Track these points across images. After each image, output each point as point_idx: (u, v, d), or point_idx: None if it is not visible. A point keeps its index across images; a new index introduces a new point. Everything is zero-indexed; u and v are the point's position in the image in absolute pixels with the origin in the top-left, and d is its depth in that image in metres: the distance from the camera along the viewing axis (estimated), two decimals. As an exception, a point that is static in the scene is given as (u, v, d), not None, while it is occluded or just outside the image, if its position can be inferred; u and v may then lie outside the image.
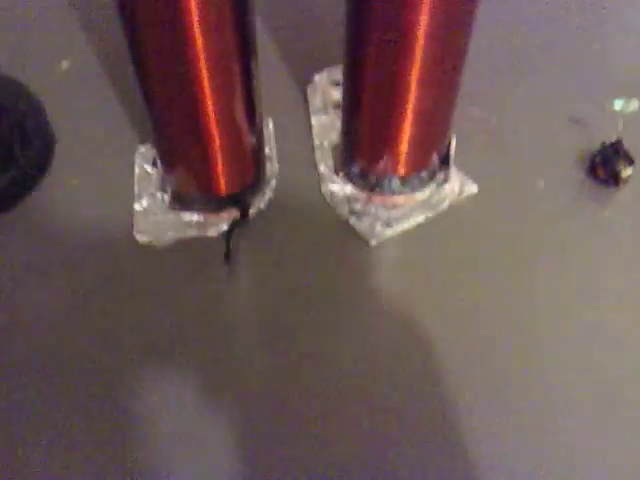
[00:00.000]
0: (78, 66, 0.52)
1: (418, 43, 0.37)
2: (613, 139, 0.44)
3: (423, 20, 0.35)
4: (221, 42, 0.35)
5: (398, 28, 0.36)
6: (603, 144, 0.45)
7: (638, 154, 0.44)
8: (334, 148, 0.48)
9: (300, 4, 0.55)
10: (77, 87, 0.51)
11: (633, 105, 0.43)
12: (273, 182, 0.46)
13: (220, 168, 0.43)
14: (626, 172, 0.44)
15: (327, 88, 0.51)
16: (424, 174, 0.45)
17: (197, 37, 0.34)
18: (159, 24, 0.33)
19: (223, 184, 0.44)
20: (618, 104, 0.43)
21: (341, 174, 0.47)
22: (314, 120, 0.49)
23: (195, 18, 0.33)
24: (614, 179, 0.44)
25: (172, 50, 0.35)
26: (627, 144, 0.44)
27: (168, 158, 0.43)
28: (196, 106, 0.38)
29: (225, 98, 0.39)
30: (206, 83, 0.37)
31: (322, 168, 0.47)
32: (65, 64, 0.51)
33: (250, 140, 0.43)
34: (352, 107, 0.43)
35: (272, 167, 0.47)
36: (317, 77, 0.51)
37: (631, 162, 0.44)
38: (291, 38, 0.53)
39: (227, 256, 0.42)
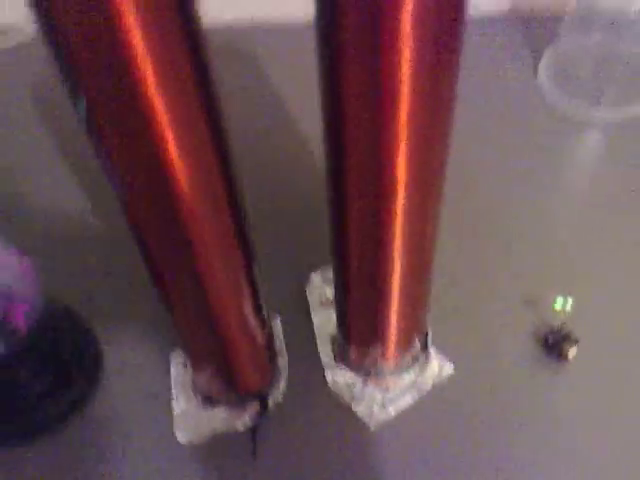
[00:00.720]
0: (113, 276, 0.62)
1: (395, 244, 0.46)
2: (559, 323, 0.55)
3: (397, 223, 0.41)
4: (228, 254, 0.41)
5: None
6: (552, 327, 0.55)
7: (583, 333, 0.55)
8: (332, 340, 0.58)
9: (290, 215, 0.66)
10: (113, 295, 0.61)
11: (569, 304, 0.54)
12: (285, 375, 0.56)
13: (241, 370, 0.52)
14: (572, 352, 0.54)
15: (322, 286, 0.61)
16: (409, 358, 0.55)
17: (204, 255, 0.39)
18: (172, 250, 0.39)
19: (245, 384, 0.53)
20: (559, 303, 0.54)
21: (340, 363, 0.56)
22: (314, 315, 0.59)
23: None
24: (564, 357, 0.54)
25: (185, 271, 0.40)
26: (572, 326, 0.55)
27: (193, 362, 0.53)
28: (211, 314, 0.45)
29: (236, 307, 0.47)
30: (217, 295, 0.43)
31: (324, 358, 0.57)
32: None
33: (262, 340, 0.52)
34: (341, 306, 0.53)
35: (283, 360, 0.57)
36: (313, 276, 0.61)
37: (576, 342, 0.54)
38: (288, 241, 0.64)
39: (254, 452, 0.51)
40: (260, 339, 0.51)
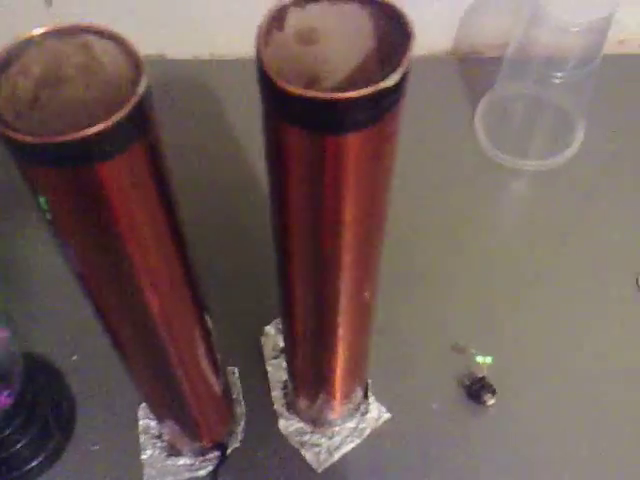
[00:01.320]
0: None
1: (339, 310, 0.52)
2: (480, 375, 0.63)
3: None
4: (180, 308, 0.43)
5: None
6: (474, 377, 0.64)
7: (500, 383, 0.63)
8: (284, 389, 0.65)
9: (247, 270, 0.72)
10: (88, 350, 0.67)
11: (488, 360, 0.62)
12: (242, 423, 0.63)
13: (200, 421, 0.59)
14: (491, 401, 0.62)
15: (276, 336, 0.68)
16: (351, 407, 0.63)
17: (156, 308, 0.41)
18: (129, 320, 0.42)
19: (205, 434, 0.60)
20: (479, 359, 0.62)
21: (291, 411, 0.64)
22: (268, 365, 0.66)
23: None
24: (483, 404, 0.63)
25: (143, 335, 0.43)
26: (492, 378, 0.63)
27: (155, 415, 0.59)
28: (166, 370, 0.48)
29: (191, 361, 0.50)
30: (170, 350, 0.46)
31: (276, 406, 0.64)
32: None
33: (219, 391, 0.58)
34: (289, 359, 0.59)
35: (241, 409, 0.64)
36: (267, 328, 0.68)
37: (494, 392, 0.63)
38: (245, 296, 0.70)
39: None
40: (217, 391, 0.58)
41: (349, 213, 0.36)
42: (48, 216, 0.32)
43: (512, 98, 0.81)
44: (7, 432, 0.57)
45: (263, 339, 0.68)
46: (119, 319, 0.43)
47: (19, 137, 0.27)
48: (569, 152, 0.79)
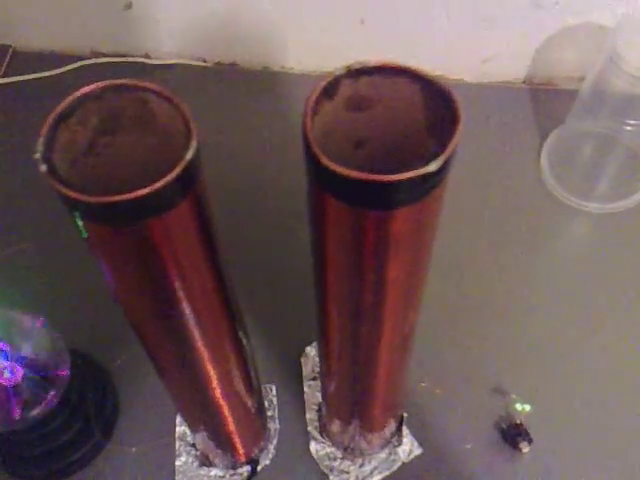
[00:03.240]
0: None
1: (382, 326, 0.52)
2: (518, 421, 0.62)
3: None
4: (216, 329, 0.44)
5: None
6: (511, 422, 0.63)
7: (538, 432, 0.62)
8: (319, 411, 0.66)
9: (292, 290, 0.73)
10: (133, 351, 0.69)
11: (527, 408, 0.61)
12: (275, 441, 0.64)
13: (232, 436, 0.60)
14: (526, 448, 0.62)
15: (315, 358, 0.69)
16: (384, 438, 0.63)
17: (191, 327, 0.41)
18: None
19: (237, 449, 0.61)
20: (518, 406, 0.61)
21: (324, 434, 0.65)
22: (305, 386, 0.67)
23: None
24: (518, 450, 0.62)
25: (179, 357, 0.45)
26: (529, 425, 0.62)
27: (190, 427, 0.61)
28: (204, 390, 0.50)
29: (224, 377, 0.50)
30: (210, 369, 0.47)
31: (310, 428, 0.65)
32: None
33: (253, 408, 0.59)
34: (324, 383, 0.60)
35: (275, 426, 0.65)
36: (308, 349, 0.69)
37: (530, 440, 0.62)
38: (288, 315, 0.71)
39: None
40: (250, 407, 0.59)
41: (389, 276, 0.36)
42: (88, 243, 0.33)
43: (583, 135, 0.79)
44: (51, 427, 0.59)
45: (303, 359, 0.68)
46: (153, 337, 0.44)
47: (71, 194, 0.28)
48: (637, 196, 0.76)
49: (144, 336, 0.43)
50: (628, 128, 0.67)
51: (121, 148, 0.32)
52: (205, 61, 0.90)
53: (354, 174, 0.27)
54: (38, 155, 0.29)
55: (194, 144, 0.29)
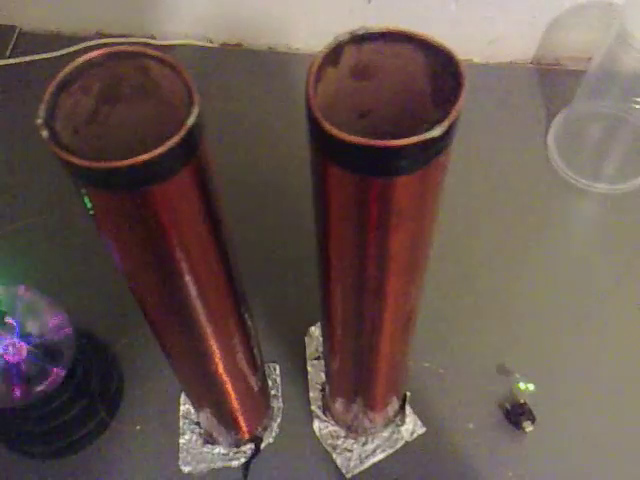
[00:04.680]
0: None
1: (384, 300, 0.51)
2: (521, 401, 0.62)
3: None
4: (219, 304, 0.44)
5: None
6: (514, 402, 0.63)
7: (541, 411, 0.62)
8: (322, 391, 0.66)
9: (296, 271, 0.73)
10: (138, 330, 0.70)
11: (531, 387, 0.61)
12: (278, 419, 0.64)
13: (236, 414, 0.60)
14: (529, 428, 0.61)
15: (320, 338, 0.68)
16: (387, 417, 0.63)
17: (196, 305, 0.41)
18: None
19: (241, 427, 0.62)
20: (522, 385, 0.61)
21: (327, 413, 0.65)
22: (309, 365, 0.67)
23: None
24: (521, 430, 0.62)
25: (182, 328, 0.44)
26: (533, 405, 0.62)
27: (194, 404, 0.61)
28: (208, 367, 0.50)
29: (228, 356, 0.50)
30: (214, 345, 0.47)
31: (313, 407, 0.65)
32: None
33: (257, 387, 0.59)
34: (328, 363, 0.60)
35: (278, 405, 0.65)
36: (312, 328, 0.69)
37: (533, 420, 0.62)
38: (293, 295, 0.71)
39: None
40: (254, 385, 0.59)
41: (391, 249, 0.36)
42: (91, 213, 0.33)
43: (590, 116, 0.78)
44: (55, 405, 0.59)
45: (307, 339, 0.68)
46: (158, 312, 0.44)
47: (73, 160, 0.28)
48: (645, 178, 0.76)
49: (148, 310, 0.43)
50: (637, 107, 0.67)
51: (123, 116, 0.32)
52: (211, 42, 0.90)
53: (356, 140, 0.27)
54: (40, 121, 0.29)
55: (196, 110, 0.29)
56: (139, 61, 0.31)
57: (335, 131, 0.27)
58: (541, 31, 0.82)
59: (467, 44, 0.85)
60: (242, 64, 0.88)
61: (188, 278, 0.38)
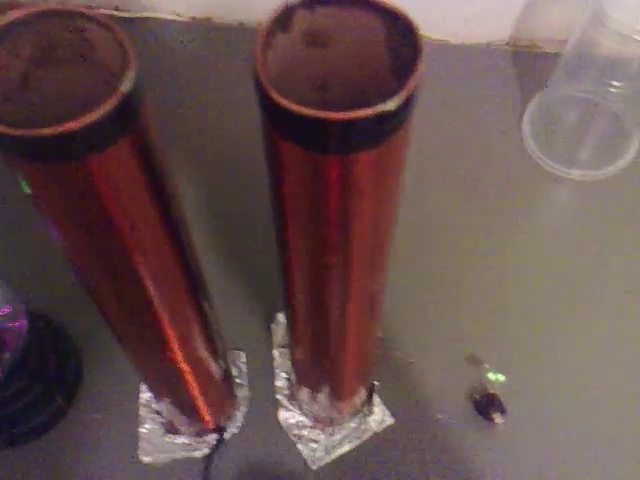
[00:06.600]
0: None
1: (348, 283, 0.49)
2: (491, 391, 0.61)
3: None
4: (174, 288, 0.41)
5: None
6: (484, 392, 0.61)
7: (511, 403, 0.61)
8: (288, 379, 0.64)
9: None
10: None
11: (501, 378, 0.59)
12: (244, 409, 0.62)
13: (197, 404, 0.58)
14: (499, 419, 0.60)
15: (286, 325, 0.66)
16: (354, 407, 0.61)
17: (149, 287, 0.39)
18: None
19: (205, 419, 0.60)
20: (491, 376, 0.60)
21: (293, 402, 0.63)
22: (275, 353, 0.65)
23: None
24: (491, 421, 0.60)
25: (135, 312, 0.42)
26: (502, 396, 0.61)
27: (154, 395, 0.59)
28: (163, 355, 0.48)
29: (185, 344, 0.48)
30: (170, 332, 0.45)
31: (279, 396, 0.63)
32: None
33: (218, 376, 0.57)
34: (293, 351, 0.58)
35: (244, 394, 0.63)
36: (279, 315, 0.67)
37: (504, 411, 0.60)
38: (259, 282, 0.69)
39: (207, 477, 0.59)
40: (215, 374, 0.57)
41: (352, 231, 0.34)
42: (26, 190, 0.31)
43: (565, 100, 0.76)
44: (9, 391, 0.57)
45: (274, 326, 0.66)
46: (106, 296, 0.41)
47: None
48: (620, 164, 0.74)
49: (97, 296, 0.41)
50: (612, 90, 0.65)
51: (58, 81, 0.29)
52: (179, 15, 0.87)
53: (305, 111, 0.25)
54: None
55: (131, 75, 0.26)
56: (74, 22, 0.28)
57: (281, 100, 0.25)
58: (517, 11, 0.80)
59: (444, 23, 0.82)
60: (211, 39, 0.85)
61: (136, 260, 0.36)
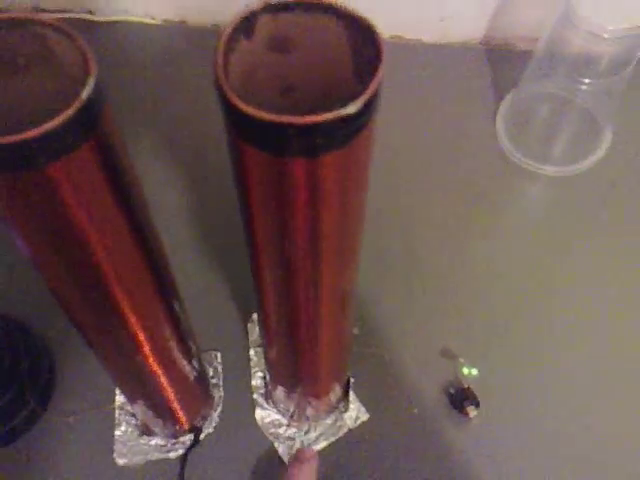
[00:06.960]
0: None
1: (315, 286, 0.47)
2: (465, 385, 0.61)
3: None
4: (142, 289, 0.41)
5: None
6: (458, 386, 0.62)
7: (485, 396, 0.61)
8: (263, 378, 0.64)
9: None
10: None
11: (474, 372, 0.60)
12: (219, 409, 0.62)
13: (171, 406, 0.58)
14: (473, 412, 0.61)
15: (262, 325, 0.67)
16: (330, 404, 0.62)
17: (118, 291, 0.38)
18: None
19: (180, 420, 0.60)
20: (465, 370, 0.60)
21: (269, 401, 0.63)
22: (252, 352, 0.65)
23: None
24: (465, 414, 0.61)
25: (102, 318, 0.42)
26: (477, 389, 0.62)
27: (126, 396, 0.58)
28: (134, 357, 0.47)
29: (160, 347, 0.48)
30: (140, 335, 0.44)
31: (255, 395, 0.63)
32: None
33: (191, 376, 0.57)
34: (267, 350, 0.58)
35: (219, 394, 0.63)
36: (255, 315, 0.67)
37: (477, 405, 0.61)
38: (235, 281, 0.69)
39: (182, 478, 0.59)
40: (189, 375, 0.56)
41: (320, 232, 0.34)
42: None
43: (538, 97, 0.77)
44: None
45: (250, 325, 0.67)
46: (74, 302, 0.41)
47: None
48: (592, 159, 0.75)
49: (63, 300, 0.41)
50: (583, 87, 0.66)
51: (19, 89, 0.29)
52: (153, 18, 0.86)
53: (265, 115, 0.25)
54: None
55: (91, 82, 0.26)
56: (34, 29, 0.28)
57: (242, 105, 0.25)
58: (491, 10, 0.81)
59: (418, 22, 0.83)
60: (186, 42, 0.85)
61: (102, 263, 0.35)
